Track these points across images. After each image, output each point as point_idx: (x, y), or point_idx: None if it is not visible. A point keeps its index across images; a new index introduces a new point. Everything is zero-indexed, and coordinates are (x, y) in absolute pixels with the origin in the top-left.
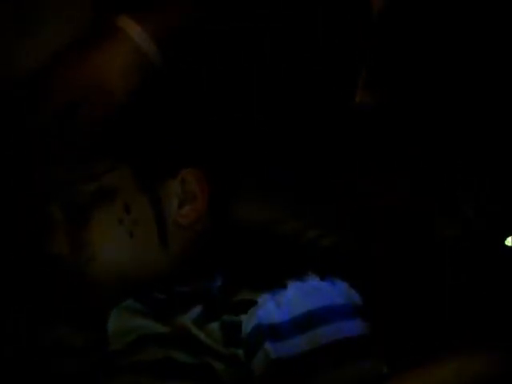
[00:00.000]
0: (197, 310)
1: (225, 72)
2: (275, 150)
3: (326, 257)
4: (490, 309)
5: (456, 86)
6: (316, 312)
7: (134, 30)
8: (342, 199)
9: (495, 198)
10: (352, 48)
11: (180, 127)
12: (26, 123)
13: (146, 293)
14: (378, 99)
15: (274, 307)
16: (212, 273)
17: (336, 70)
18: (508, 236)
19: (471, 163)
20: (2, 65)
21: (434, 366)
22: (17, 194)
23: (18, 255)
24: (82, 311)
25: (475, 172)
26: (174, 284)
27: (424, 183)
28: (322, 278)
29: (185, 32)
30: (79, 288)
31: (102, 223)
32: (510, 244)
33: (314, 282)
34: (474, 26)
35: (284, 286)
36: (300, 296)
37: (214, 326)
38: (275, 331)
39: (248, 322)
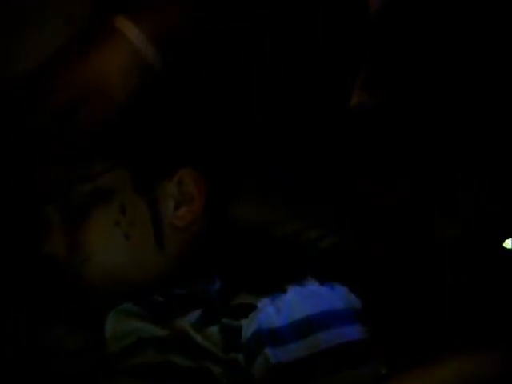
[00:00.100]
0: (196, 313)
1: (224, 72)
2: (275, 150)
3: (326, 258)
4: (489, 309)
5: (455, 85)
6: (316, 317)
7: (132, 32)
8: (342, 199)
9: (495, 198)
10: (351, 48)
11: (178, 127)
12: (25, 123)
13: (144, 295)
14: (377, 99)
15: (273, 312)
16: (210, 275)
17: (335, 69)
18: (508, 237)
19: (471, 163)
20: (2, 65)
21: (434, 366)
22: (16, 194)
23: (18, 255)
24: (78, 312)
25: (475, 172)
26: (172, 286)
27: (424, 183)
28: (322, 283)
29: (184, 32)
30: (75, 289)
31: (98, 224)
32: (509, 247)
33: (313, 286)
34: (474, 25)
35: (284, 291)
36: (300, 301)
37: (213, 329)
38: (275, 336)
39: (248, 326)
